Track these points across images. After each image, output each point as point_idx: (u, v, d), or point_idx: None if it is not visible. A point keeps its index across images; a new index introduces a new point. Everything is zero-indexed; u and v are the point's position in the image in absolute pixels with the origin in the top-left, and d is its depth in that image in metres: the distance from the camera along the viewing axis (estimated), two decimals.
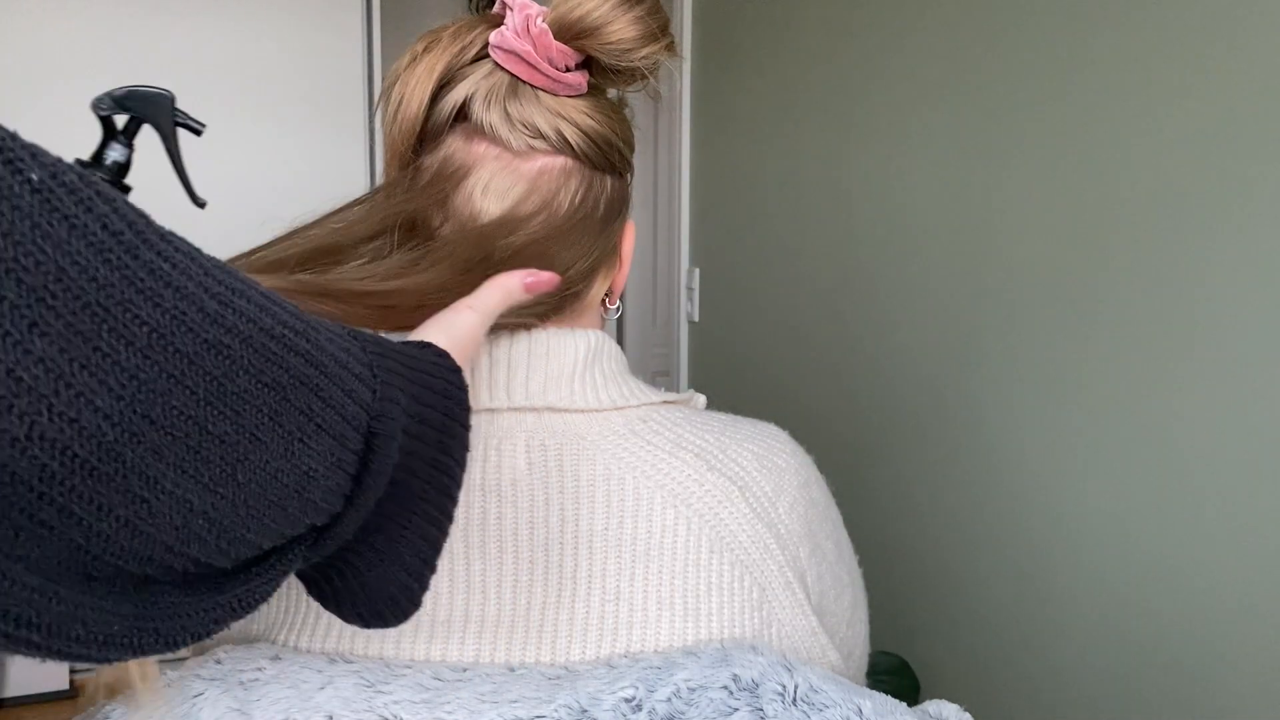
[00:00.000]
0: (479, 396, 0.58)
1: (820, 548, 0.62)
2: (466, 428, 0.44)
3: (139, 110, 0.44)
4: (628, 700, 0.48)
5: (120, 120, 0.45)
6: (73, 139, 2.51)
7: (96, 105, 0.44)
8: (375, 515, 0.39)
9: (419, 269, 0.52)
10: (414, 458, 0.40)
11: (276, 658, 0.51)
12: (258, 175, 2.47)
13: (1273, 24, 0.89)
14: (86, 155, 0.45)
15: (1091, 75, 1.09)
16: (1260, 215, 0.91)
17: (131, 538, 0.28)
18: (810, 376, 1.73)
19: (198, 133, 0.49)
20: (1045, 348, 1.17)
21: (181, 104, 2.09)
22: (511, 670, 0.52)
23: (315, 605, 0.55)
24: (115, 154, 0.44)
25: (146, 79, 2.39)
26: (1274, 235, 0.89)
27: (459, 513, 0.56)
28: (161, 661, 0.41)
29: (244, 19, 2.46)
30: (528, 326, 0.61)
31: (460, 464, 0.43)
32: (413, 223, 0.59)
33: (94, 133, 2.00)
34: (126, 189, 0.45)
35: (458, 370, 0.44)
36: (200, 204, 0.49)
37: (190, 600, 0.31)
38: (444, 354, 0.45)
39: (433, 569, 0.42)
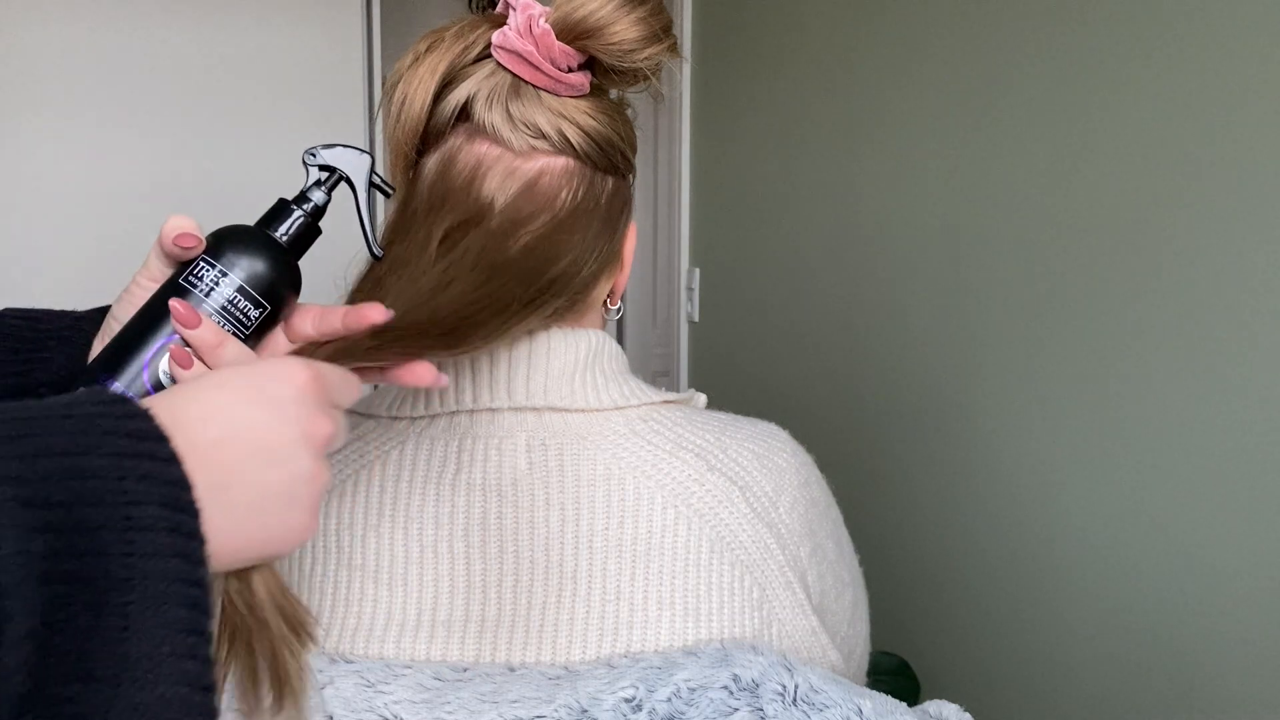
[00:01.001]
0: (479, 396, 0.59)
1: (821, 547, 0.62)
2: (175, 484, 0.33)
3: (344, 168, 0.51)
4: (628, 700, 0.48)
5: (321, 170, 0.51)
6: (72, 138, 2.51)
7: (308, 157, 0.51)
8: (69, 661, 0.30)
9: (448, 289, 0.52)
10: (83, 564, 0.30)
11: None
12: (257, 175, 2.47)
13: (1273, 24, 0.89)
14: (291, 194, 0.52)
15: (1093, 77, 1.09)
16: (1261, 216, 0.91)
17: None
18: (810, 376, 1.73)
19: (387, 195, 0.56)
20: (1046, 348, 1.17)
21: (181, 104, 2.09)
22: (512, 670, 0.52)
23: (316, 606, 0.55)
24: (317, 199, 0.50)
25: (146, 78, 2.39)
26: (1274, 236, 0.89)
27: (459, 512, 0.56)
28: None
29: (243, 18, 2.46)
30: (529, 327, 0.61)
31: (181, 529, 0.32)
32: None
33: (91, 133, 1.99)
34: (319, 230, 0.51)
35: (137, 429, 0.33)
36: (377, 256, 0.55)
37: None
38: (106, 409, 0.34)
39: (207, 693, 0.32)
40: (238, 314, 0.49)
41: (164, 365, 0.47)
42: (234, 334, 0.49)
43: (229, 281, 0.48)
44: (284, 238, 0.51)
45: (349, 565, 0.56)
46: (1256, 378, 0.92)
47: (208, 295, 0.48)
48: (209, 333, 0.47)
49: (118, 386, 0.46)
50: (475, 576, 0.55)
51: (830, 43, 1.66)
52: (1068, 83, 1.13)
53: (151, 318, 0.48)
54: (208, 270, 0.48)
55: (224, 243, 0.49)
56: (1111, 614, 1.09)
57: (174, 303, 0.47)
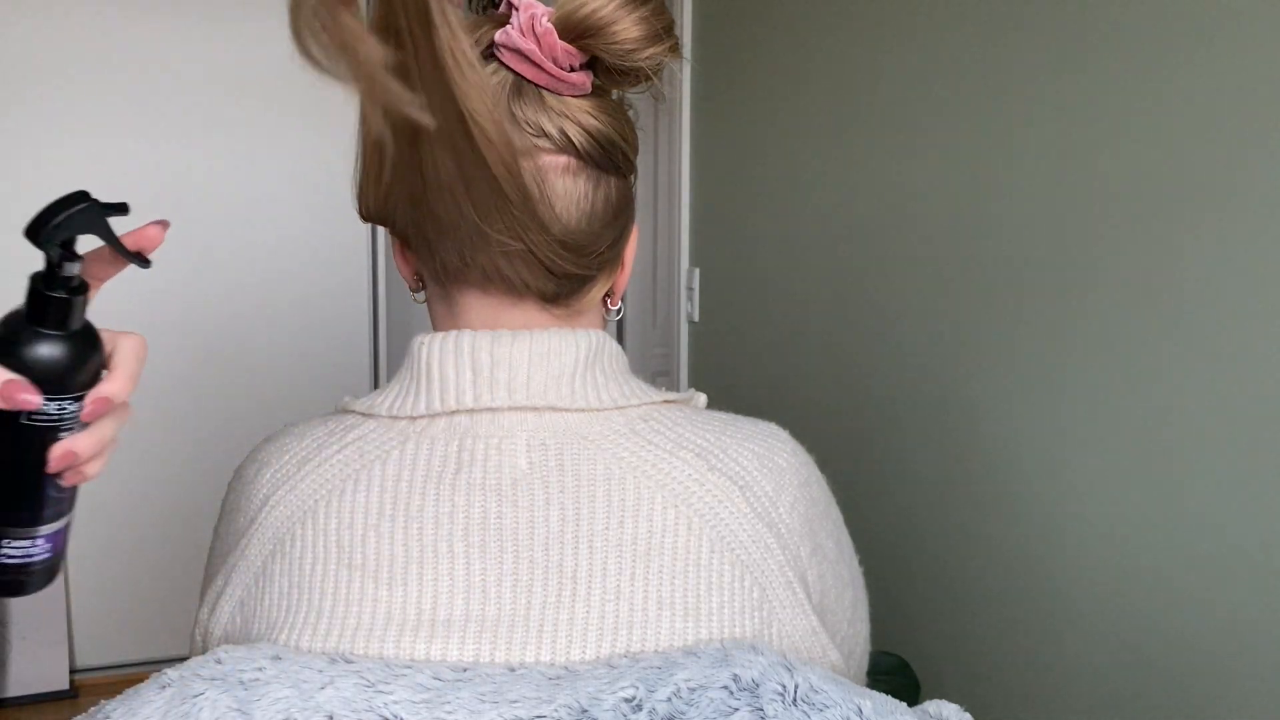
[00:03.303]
0: (480, 396, 0.59)
1: (821, 547, 0.62)
2: None
3: (75, 230, 0.45)
4: (628, 700, 0.48)
5: (61, 246, 0.46)
6: (69, 141, 2.51)
7: (46, 244, 0.45)
8: None
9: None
10: None
11: (277, 658, 0.51)
12: (256, 175, 2.47)
13: (1273, 23, 0.89)
14: (39, 273, 0.47)
15: (1094, 73, 1.09)
16: (1262, 214, 0.91)
17: None
18: (810, 376, 1.73)
19: (125, 212, 0.48)
20: (1047, 348, 1.17)
21: (180, 106, 2.05)
22: (512, 670, 0.52)
23: (316, 606, 0.55)
24: (71, 269, 0.46)
25: (144, 81, 2.38)
26: (1276, 234, 0.89)
27: (459, 512, 0.56)
28: (162, 661, 0.41)
29: (242, 20, 2.46)
30: (528, 324, 0.61)
31: None
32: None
33: (87, 134, 1.98)
34: (84, 287, 0.47)
35: None
36: (145, 265, 0.49)
37: None
38: None
39: None
40: (74, 414, 0.48)
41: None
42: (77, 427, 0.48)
43: (64, 404, 0.47)
44: (77, 325, 0.48)
45: (349, 565, 0.56)
46: (1260, 373, 0.92)
47: (60, 425, 0.47)
48: (89, 448, 0.48)
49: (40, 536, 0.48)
50: (475, 576, 0.55)
51: (830, 42, 1.66)
52: (1069, 83, 1.13)
53: (15, 475, 0.47)
54: (61, 409, 0.46)
55: (57, 373, 0.46)
56: (1111, 614, 1.09)
57: (63, 454, 0.47)
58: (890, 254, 1.49)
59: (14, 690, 2.34)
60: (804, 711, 0.48)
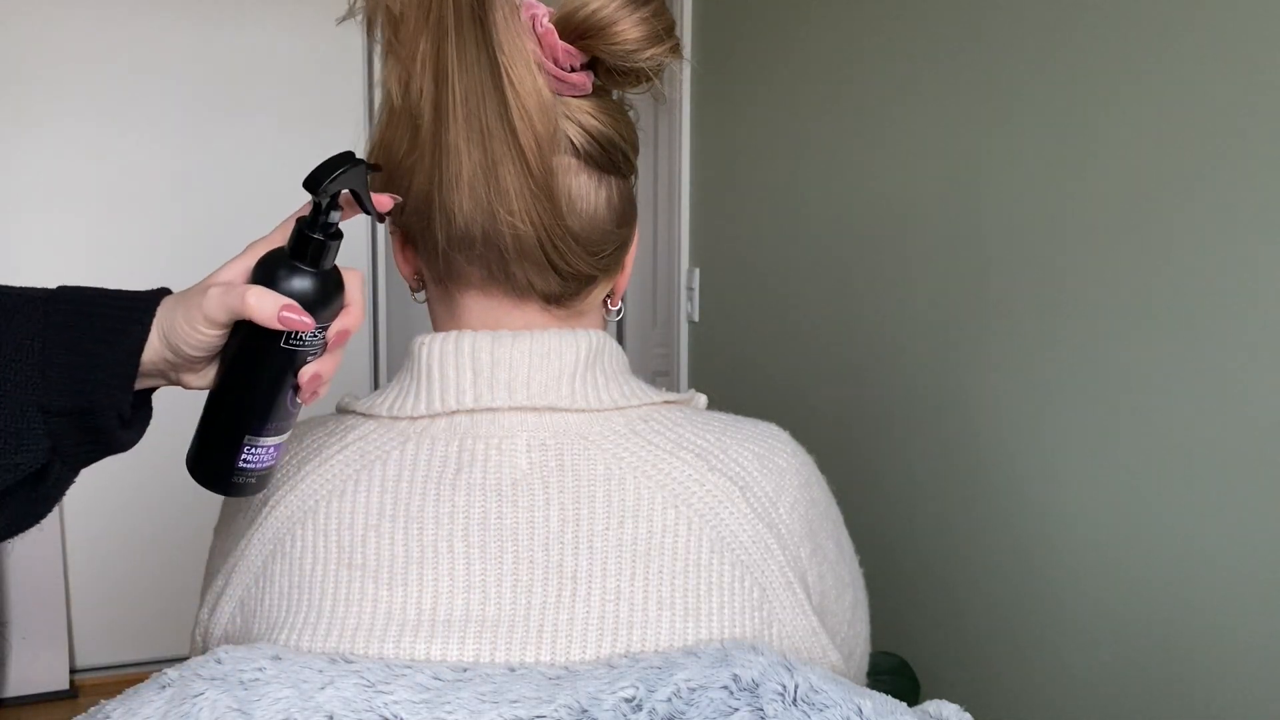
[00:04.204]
0: (480, 396, 0.59)
1: (821, 548, 0.62)
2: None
3: (345, 185, 0.53)
4: (628, 700, 0.48)
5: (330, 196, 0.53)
6: (73, 135, 2.51)
7: (321, 195, 0.52)
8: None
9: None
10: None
11: (277, 658, 0.51)
12: (255, 174, 2.47)
13: (1273, 23, 0.89)
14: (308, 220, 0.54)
15: (1092, 73, 1.09)
16: (1260, 214, 0.91)
17: None
18: (810, 376, 1.73)
19: (379, 169, 0.59)
20: (1047, 348, 1.17)
21: (181, 103, 2.08)
22: (512, 670, 0.52)
23: (316, 606, 0.55)
24: (335, 217, 0.53)
25: (147, 77, 2.39)
26: (1274, 233, 0.89)
27: (459, 512, 0.56)
28: (162, 661, 0.41)
29: (243, 19, 2.46)
30: (529, 324, 0.61)
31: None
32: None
33: (90, 132, 1.98)
34: (340, 234, 0.54)
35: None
36: (382, 220, 0.58)
37: None
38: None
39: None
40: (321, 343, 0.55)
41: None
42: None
43: (316, 333, 0.53)
44: (329, 265, 0.54)
45: (349, 565, 0.56)
46: (1256, 376, 0.92)
47: (309, 351, 0.53)
48: (330, 372, 0.55)
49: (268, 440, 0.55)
50: (475, 576, 0.55)
51: (830, 43, 1.66)
52: (1069, 83, 1.13)
53: (269, 390, 0.54)
54: (312, 337, 0.53)
55: (311, 305, 0.52)
56: (1111, 614, 1.09)
57: (314, 377, 0.54)
58: (889, 254, 1.49)
59: (14, 690, 2.34)
60: (804, 711, 0.48)
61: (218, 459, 0.55)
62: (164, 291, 0.54)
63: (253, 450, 0.54)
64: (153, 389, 0.56)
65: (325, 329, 0.53)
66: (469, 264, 0.60)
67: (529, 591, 0.55)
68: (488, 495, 0.56)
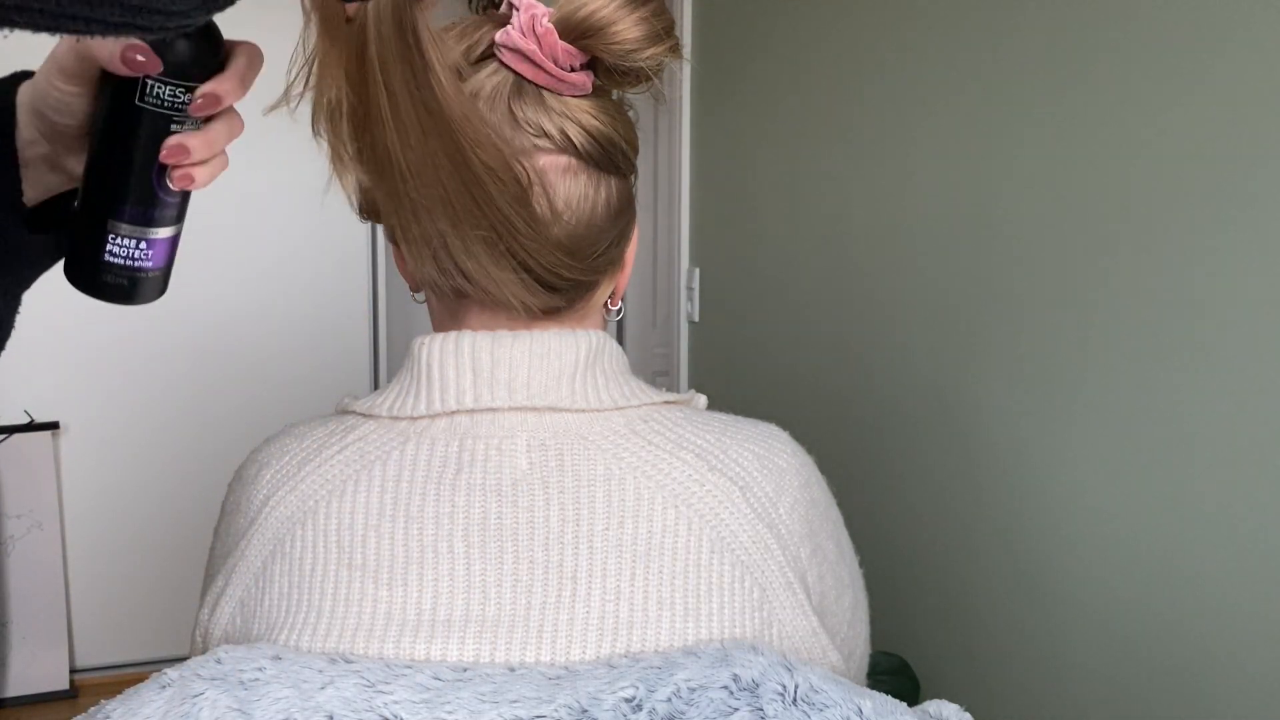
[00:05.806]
0: (480, 396, 0.59)
1: (821, 548, 0.62)
2: None
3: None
4: (628, 700, 0.48)
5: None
6: None
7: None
8: None
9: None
10: None
11: (277, 658, 0.51)
12: (256, 175, 2.47)
13: (1273, 23, 0.89)
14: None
15: (1093, 72, 1.09)
16: (1262, 213, 0.91)
17: None
18: (810, 377, 1.73)
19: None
20: (1047, 348, 1.17)
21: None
22: (512, 670, 0.52)
23: (316, 606, 0.55)
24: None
25: None
26: (1277, 233, 0.89)
27: (459, 512, 0.56)
28: (162, 661, 0.41)
29: (243, 19, 2.45)
30: (530, 326, 0.61)
31: None
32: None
33: None
34: None
35: None
36: None
37: None
38: None
39: None
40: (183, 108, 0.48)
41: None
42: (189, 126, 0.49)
43: (176, 91, 0.47)
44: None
45: (349, 565, 0.56)
46: (1265, 372, 0.92)
47: (172, 116, 0.47)
48: (200, 146, 0.48)
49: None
50: (475, 577, 0.55)
51: (830, 43, 1.66)
52: (1070, 79, 1.13)
53: (125, 161, 0.48)
54: (173, 95, 0.47)
55: (171, 56, 0.47)
56: (1112, 614, 1.09)
57: (175, 146, 0.47)
58: (891, 254, 1.49)
59: (14, 690, 2.34)
60: (804, 711, 0.48)
61: (83, 251, 0.49)
62: (26, 74, 0.50)
63: (118, 241, 0.48)
64: (58, 194, 0.52)
65: (190, 89, 0.47)
66: (462, 293, 0.60)
67: (529, 591, 0.55)
68: (488, 495, 0.56)
